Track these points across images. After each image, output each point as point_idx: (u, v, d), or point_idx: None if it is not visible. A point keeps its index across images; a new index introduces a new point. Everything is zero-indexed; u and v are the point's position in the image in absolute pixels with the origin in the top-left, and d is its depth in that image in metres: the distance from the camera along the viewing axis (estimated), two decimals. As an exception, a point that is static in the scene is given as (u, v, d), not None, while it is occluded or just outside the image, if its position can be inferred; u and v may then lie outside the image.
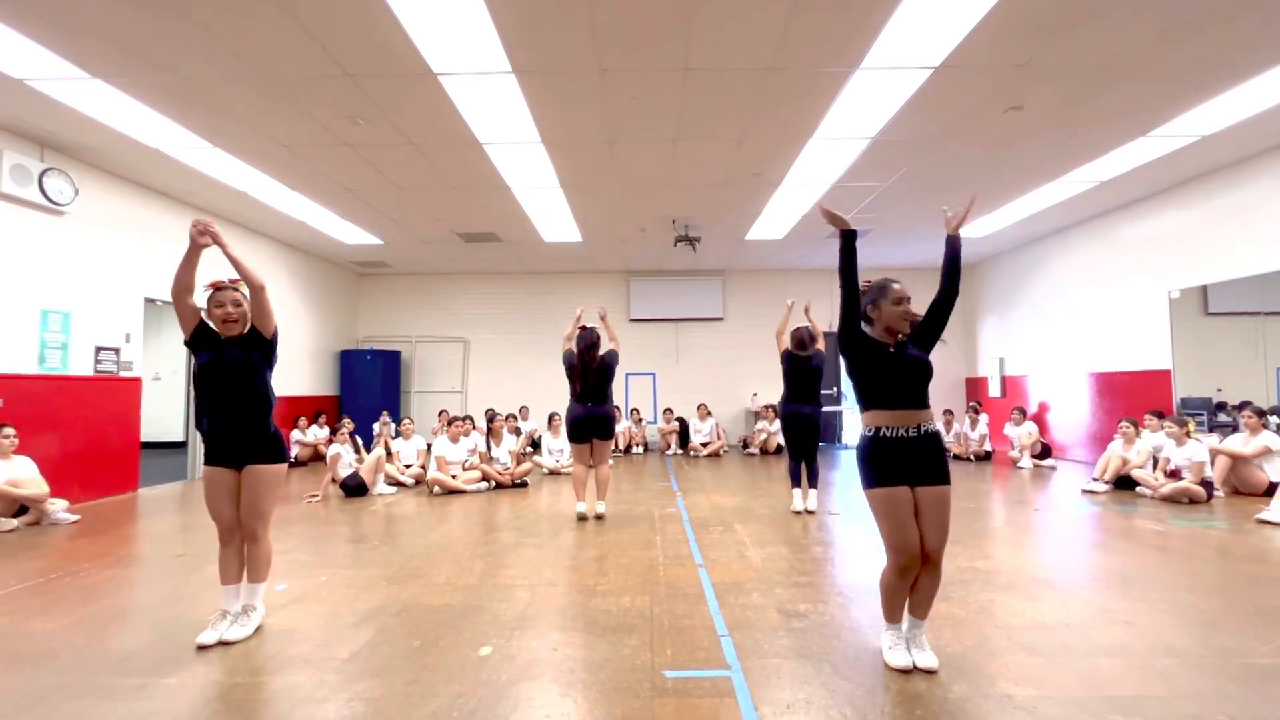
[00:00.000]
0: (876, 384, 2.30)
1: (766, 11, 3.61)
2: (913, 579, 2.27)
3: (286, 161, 5.78)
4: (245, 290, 2.63)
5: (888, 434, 2.26)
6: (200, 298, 2.61)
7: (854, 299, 2.36)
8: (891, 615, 2.34)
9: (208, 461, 2.63)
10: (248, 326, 2.66)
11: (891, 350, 2.31)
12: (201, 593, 3.17)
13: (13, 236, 5.19)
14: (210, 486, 2.62)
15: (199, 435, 7.23)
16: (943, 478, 2.25)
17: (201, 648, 2.48)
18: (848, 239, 2.38)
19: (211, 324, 2.66)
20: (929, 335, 2.38)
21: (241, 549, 2.67)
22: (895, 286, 2.32)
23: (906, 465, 2.23)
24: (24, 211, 5.27)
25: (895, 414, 2.27)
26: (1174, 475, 5.50)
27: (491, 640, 2.55)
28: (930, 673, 2.21)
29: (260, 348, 2.66)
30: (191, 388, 2.55)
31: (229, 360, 2.59)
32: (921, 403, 2.29)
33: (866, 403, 2.33)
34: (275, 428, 2.73)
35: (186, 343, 2.63)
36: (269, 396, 2.70)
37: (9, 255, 5.17)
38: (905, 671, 2.22)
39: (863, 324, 2.40)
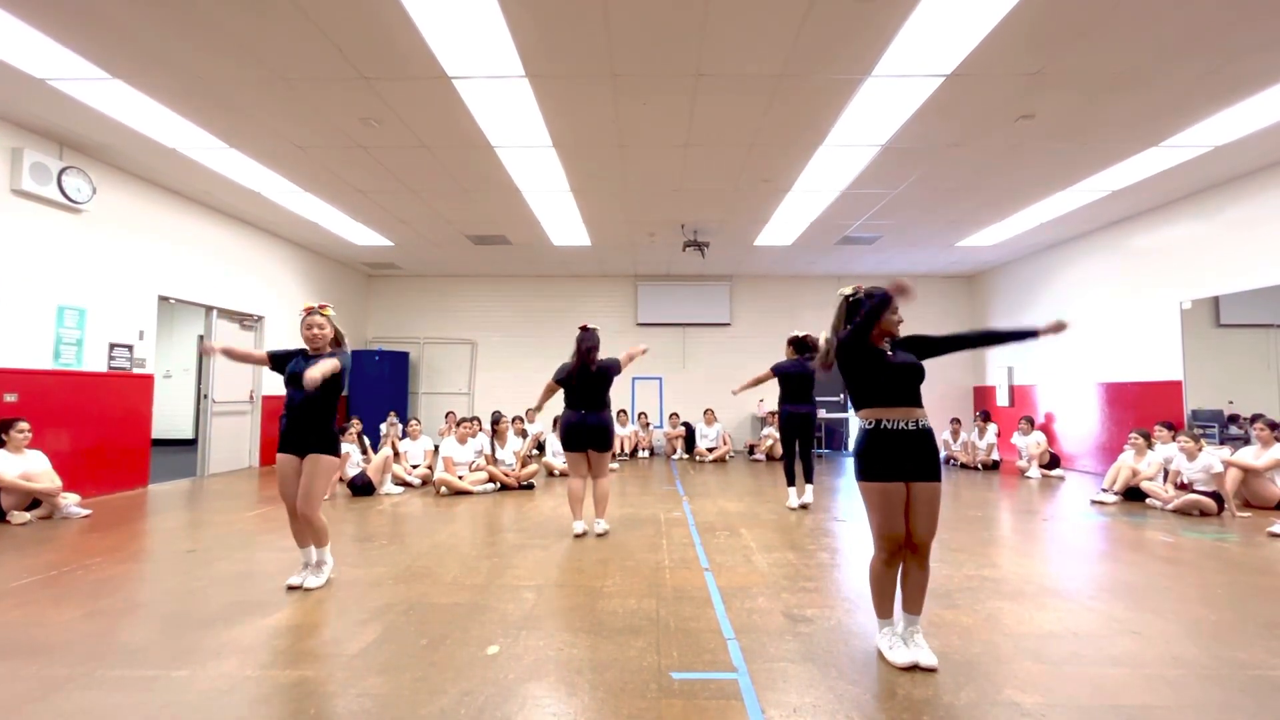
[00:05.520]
0: (877, 384, 2.43)
1: (779, 19, 3.64)
2: (898, 568, 2.41)
3: (300, 163, 5.84)
4: (330, 315, 3.26)
5: (888, 426, 2.38)
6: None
7: (870, 326, 2.41)
8: (882, 610, 2.45)
9: (280, 450, 3.20)
10: (328, 347, 3.25)
11: (889, 354, 2.47)
12: (211, 588, 3.21)
13: (31, 233, 5.27)
14: (281, 470, 3.18)
15: (213, 433, 7.37)
16: (935, 475, 2.39)
17: (290, 588, 3.15)
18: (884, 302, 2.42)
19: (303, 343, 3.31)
20: (926, 349, 2.54)
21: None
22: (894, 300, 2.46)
23: (902, 460, 2.36)
24: (43, 209, 5.35)
25: (895, 410, 2.40)
26: (1184, 488, 5.46)
27: (499, 639, 2.56)
28: (930, 670, 2.26)
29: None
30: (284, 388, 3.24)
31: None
32: (917, 401, 2.44)
33: (866, 401, 2.46)
34: (335, 428, 3.27)
35: (271, 368, 3.28)
36: (333, 403, 3.23)
37: (27, 252, 5.24)
38: (908, 669, 2.27)
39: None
